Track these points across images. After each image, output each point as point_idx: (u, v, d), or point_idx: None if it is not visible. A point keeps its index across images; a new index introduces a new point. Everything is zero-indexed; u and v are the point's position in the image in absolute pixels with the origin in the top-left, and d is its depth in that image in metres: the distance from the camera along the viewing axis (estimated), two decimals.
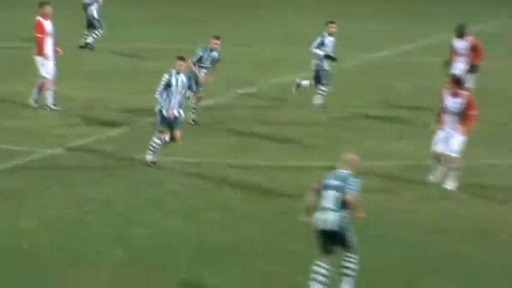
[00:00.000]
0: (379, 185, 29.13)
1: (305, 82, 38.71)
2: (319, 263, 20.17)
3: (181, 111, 30.51)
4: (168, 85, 29.87)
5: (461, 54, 36.71)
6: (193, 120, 35.00)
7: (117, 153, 31.15)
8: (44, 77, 35.62)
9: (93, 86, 40.15)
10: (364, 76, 42.34)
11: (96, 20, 47.70)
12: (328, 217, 20.06)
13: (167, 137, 29.88)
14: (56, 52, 36.09)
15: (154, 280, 22.13)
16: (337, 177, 20.29)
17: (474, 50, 36.71)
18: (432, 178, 28.74)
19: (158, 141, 29.57)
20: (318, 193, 20.33)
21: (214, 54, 34.96)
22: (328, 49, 38.15)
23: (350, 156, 20.71)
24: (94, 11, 47.37)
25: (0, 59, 39.18)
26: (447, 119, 28.55)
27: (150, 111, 34.74)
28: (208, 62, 34.80)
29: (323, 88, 38.32)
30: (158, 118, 29.87)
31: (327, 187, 20.15)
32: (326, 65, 38.16)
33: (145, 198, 27.44)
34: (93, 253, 23.47)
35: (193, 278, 22.34)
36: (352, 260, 20.37)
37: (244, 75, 41.14)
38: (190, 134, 33.17)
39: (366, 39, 47.48)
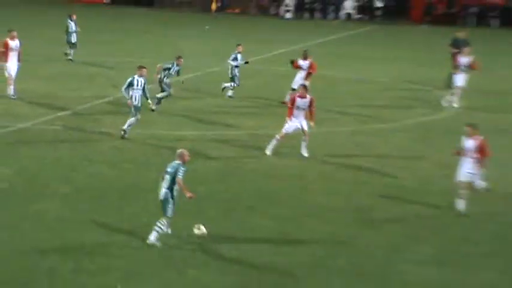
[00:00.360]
0: (234, 146, 29.60)
1: (227, 84, 38.46)
2: (161, 219, 19.66)
3: (150, 100, 30.66)
4: (130, 84, 29.39)
5: (304, 69, 36.51)
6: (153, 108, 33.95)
7: (65, 128, 31.05)
8: (7, 76, 35.67)
9: (50, 84, 39.71)
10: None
11: (74, 42, 46.77)
12: (161, 192, 19.66)
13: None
14: (20, 61, 35.78)
15: (91, 206, 22.33)
16: (171, 166, 19.65)
17: (311, 66, 36.57)
18: (268, 152, 28.32)
19: (132, 121, 29.48)
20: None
21: (179, 67, 34.76)
22: (239, 60, 38.13)
23: (180, 151, 19.93)
24: (73, 35, 46.74)
25: None
26: (297, 113, 28.12)
27: (86, 100, 35.80)
28: (174, 72, 34.72)
29: (234, 85, 38.25)
30: (133, 108, 29.45)
31: (166, 172, 19.62)
32: (237, 71, 38.10)
33: (83, 154, 27.51)
34: (49, 189, 23.71)
35: (117, 206, 22.56)
36: (162, 222, 19.54)
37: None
38: (120, 113, 33.41)
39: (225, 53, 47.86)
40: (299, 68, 37.00)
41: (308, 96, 28.45)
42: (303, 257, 19.60)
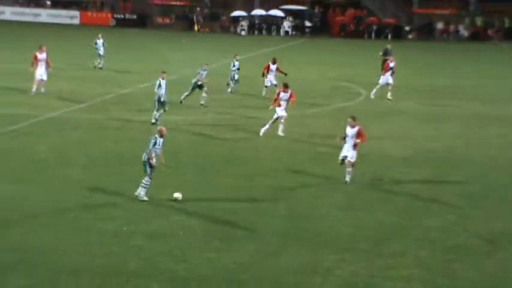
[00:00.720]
0: (207, 126, 29.07)
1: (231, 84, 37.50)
2: (145, 177, 19.23)
3: (166, 97, 28.85)
4: (159, 85, 28.51)
5: (272, 72, 36.41)
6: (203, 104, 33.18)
7: (83, 116, 30.78)
8: (36, 80, 35.13)
9: (72, 84, 39.01)
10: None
11: (102, 54, 45.82)
12: (143, 155, 19.32)
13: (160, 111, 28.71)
14: (48, 68, 35.32)
15: (102, 171, 22.21)
16: (153, 137, 19.28)
17: (278, 69, 36.46)
18: (263, 132, 27.69)
19: (158, 114, 28.65)
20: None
21: (206, 71, 33.21)
22: (236, 67, 37.45)
23: (160, 128, 19.56)
24: (101, 49, 45.71)
25: (18, 73, 38.63)
26: (281, 103, 27.48)
27: (98, 96, 35.26)
28: (204, 75, 33.14)
29: (233, 84, 37.47)
30: (157, 103, 28.66)
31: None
32: (237, 75, 37.56)
33: (96, 135, 27.33)
34: (72, 160, 23.56)
35: (120, 172, 22.38)
36: (145, 179, 19.14)
37: (140, 77, 40.59)
38: (122, 105, 33.48)
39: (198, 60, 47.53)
40: (269, 69, 36.74)
41: (289, 90, 27.72)
42: (254, 205, 19.69)
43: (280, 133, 27.95)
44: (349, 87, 42.27)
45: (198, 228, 17.69)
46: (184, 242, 16.79)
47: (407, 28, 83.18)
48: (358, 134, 21.74)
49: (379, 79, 38.17)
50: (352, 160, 21.69)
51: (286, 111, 27.87)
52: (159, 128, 19.66)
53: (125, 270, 15.18)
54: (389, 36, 79.85)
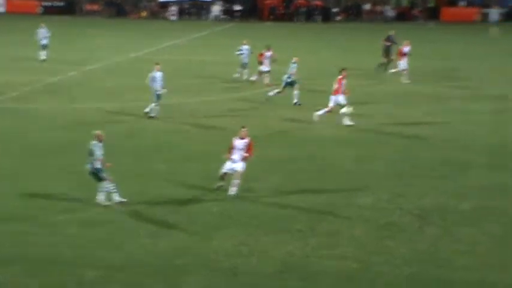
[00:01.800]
0: (139, 113, 28.84)
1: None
2: (105, 183, 17.97)
3: (163, 90, 27.66)
4: (153, 77, 27.43)
5: (267, 58, 35.32)
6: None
7: (13, 106, 30.16)
8: None
9: (14, 74, 38.41)
10: (137, 65, 41.65)
11: (43, 45, 42.96)
12: (87, 166, 17.95)
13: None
14: None
15: (37, 160, 21.91)
16: (92, 145, 17.78)
17: (272, 55, 35.72)
18: (316, 117, 27.08)
19: (153, 106, 27.67)
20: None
21: (295, 65, 31.17)
22: (244, 51, 36.88)
23: (97, 132, 17.91)
24: (43, 39, 42.96)
25: None
26: (342, 90, 26.56)
27: (31, 84, 34.79)
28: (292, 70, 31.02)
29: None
30: (155, 98, 27.61)
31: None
32: (245, 58, 36.91)
33: (27, 123, 26.84)
34: (2, 151, 23.23)
35: (56, 159, 22.06)
36: (108, 185, 17.90)
37: (69, 65, 39.63)
38: (49, 93, 33.11)
39: (126, 47, 46.94)
40: (264, 57, 35.76)
41: (344, 74, 27.14)
42: (188, 189, 19.67)
43: (348, 122, 27.26)
44: (278, 70, 42.22)
45: (133, 214, 17.57)
46: (119, 229, 16.70)
47: (335, 10, 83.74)
48: (248, 147, 19.47)
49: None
50: (242, 171, 19.30)
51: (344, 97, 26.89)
52: (96, 132, 18.09)
53: (60, 259, 15.02)
54: (318, 18, 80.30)
